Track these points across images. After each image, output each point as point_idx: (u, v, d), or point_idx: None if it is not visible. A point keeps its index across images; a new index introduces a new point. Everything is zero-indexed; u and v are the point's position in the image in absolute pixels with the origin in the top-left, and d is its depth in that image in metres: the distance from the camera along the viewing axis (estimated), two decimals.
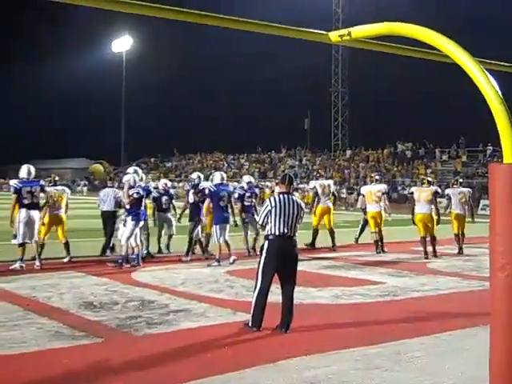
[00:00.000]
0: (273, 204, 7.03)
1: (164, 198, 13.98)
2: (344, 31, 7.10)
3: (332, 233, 15.68)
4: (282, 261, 6.97)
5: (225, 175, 13.19)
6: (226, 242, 12.22)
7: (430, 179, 15.35)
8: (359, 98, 59.96)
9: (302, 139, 61.91)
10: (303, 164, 55.65)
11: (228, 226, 12.35)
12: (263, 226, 7.05)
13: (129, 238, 11.51)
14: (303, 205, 7.44)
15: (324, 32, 7.40)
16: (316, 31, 7.31)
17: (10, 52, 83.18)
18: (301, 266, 7.25)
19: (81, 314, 7.68)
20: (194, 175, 13.93)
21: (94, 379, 5.40)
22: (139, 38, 65.23)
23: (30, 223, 11.15)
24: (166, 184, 14.55)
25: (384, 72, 54.06)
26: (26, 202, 11.12)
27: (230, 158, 63.45)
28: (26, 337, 6.56)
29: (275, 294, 7.23)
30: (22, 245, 11.12)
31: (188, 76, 74.85)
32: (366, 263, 12.90)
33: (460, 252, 14.79)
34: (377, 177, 15.98)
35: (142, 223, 11.94)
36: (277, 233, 6.95)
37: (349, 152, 54.86)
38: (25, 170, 11.49)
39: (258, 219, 7.26)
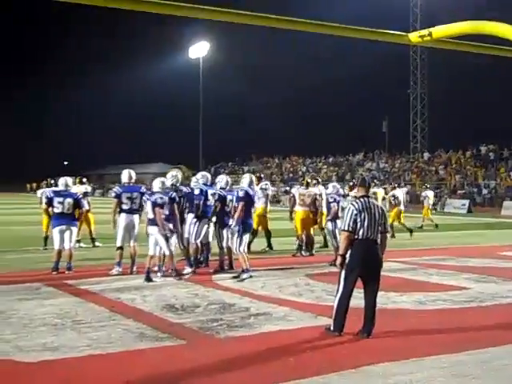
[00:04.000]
0: (358, 208, 6.94)
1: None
2: (424, 31, 6.97)
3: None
4: (366, 264, 6.88)
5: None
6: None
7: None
8: (439, 99, 58.65)
9: (380, 142, 61.19)
10: (381, 167, 54.89)
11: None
12: (350, 232, 6.89)
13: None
14: (384, 208, 7.35)
15: (403, 33, 7.29)
16: (395, 32, 7.21)
17: (90, 63, 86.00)
18: (382, 271, 7.13)
19: (164, 316, 7.83)
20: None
21: (177, 380, 5.50)
22: (216, 43, 66.01)
23: (129, 228, 11.27)
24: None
25: (465, 72, 52.73)
26: (125, 207, 11.25)
27: (308, 162, 63.29)
28: (112, 337, 6.74)
29: (357, 299, 7.16)
30: (120, 248, 11.24)
31: (264, 80, 75.34)
32: (449, 268, 12.57)
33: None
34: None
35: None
36: (361, 236, 6.88)
37: (427, 155, 53.66)
38: (126, 175, 11.64)
39: (342, 225, 7.12)
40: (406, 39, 6.73)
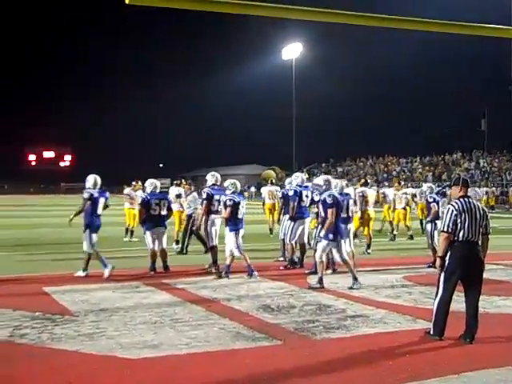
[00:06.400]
0: (458, 208, 6.70)
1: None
2: None
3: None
4: (467, 267, 6.64)
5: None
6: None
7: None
8: None
9: (478, 140, 59.20)
10: (480, 166, 53.02)
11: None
12: (450, 233, 6.68)
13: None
14: (486, 209, 7.06)
15: (508, 27, 6.99)
16: (501, 27, 6.93)
17: (183, 67, 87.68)
18: (483, 274, 6.85)
19: (260, 317, 7.85)
20: None
21: (274, 381, 5.47)
22: (309, 44, 65.88)
23: (212, 227, 11.63)
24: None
25: None
26: (212, 208, 11.57)
27: (403, 162, 62.04)
28: (209, 336, 6.83)
29: (458, 302, 6.93)
30: (212, 248, 11.62)
31: (358, 80, 74.56)
32: None
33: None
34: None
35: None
36: (461, 238, 6.65)
37: None
38: (210, 178, 11.95)
39: (441, 226, 6.88)
40: (510, 33, 6.45)
